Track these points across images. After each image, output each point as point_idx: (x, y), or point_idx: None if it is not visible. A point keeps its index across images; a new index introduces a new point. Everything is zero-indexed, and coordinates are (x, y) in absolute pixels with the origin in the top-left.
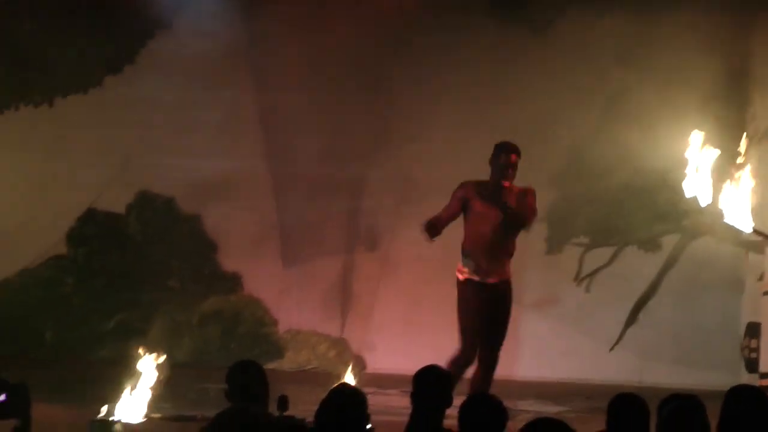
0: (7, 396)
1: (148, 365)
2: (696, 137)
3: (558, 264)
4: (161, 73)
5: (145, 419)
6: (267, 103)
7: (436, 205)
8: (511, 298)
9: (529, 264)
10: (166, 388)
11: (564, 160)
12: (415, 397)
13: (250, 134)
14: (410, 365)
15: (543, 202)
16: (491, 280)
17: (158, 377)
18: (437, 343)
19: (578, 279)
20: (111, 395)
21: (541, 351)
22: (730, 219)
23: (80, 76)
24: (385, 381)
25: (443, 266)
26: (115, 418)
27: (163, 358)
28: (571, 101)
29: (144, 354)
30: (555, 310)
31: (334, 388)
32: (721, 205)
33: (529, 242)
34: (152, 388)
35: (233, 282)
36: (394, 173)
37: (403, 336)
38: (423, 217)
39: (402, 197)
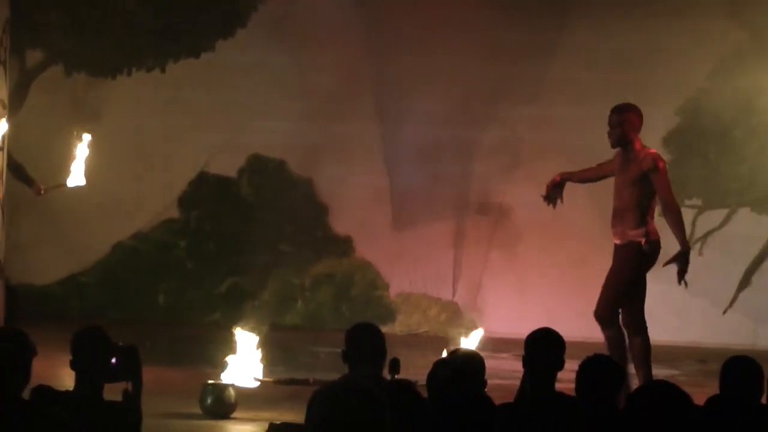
0: (117, 359)
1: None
2: None
3: None
4: (273, 37)
5: (257, 383)
6: (379, 66)
7: (547, 167)
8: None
9: None
10: (279, 352)
11: (676, 120)
12: (526, 360)
13: (361, 97)
14: (522, 328)
15: None
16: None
17: (265, 340)
18: (548, 306)
19: (691, 241)
20: (223, 358)
21: (653, 313)
22: None
23: (192, 41)
24: (496, 344)
25: (553, 229)
26: (227, 381)
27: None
28: (681, 62)
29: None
30: (667, 273)
31: (452, 351)
32: None
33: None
34: (263, 351)
35: (345, 245)
36: (506, 136)
37: (514, 299)
38: (534, 180)
39: (513, 161)
